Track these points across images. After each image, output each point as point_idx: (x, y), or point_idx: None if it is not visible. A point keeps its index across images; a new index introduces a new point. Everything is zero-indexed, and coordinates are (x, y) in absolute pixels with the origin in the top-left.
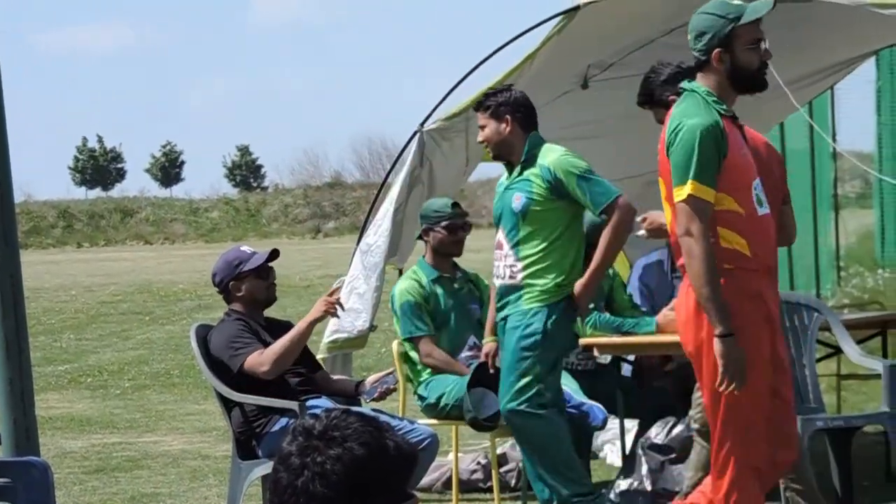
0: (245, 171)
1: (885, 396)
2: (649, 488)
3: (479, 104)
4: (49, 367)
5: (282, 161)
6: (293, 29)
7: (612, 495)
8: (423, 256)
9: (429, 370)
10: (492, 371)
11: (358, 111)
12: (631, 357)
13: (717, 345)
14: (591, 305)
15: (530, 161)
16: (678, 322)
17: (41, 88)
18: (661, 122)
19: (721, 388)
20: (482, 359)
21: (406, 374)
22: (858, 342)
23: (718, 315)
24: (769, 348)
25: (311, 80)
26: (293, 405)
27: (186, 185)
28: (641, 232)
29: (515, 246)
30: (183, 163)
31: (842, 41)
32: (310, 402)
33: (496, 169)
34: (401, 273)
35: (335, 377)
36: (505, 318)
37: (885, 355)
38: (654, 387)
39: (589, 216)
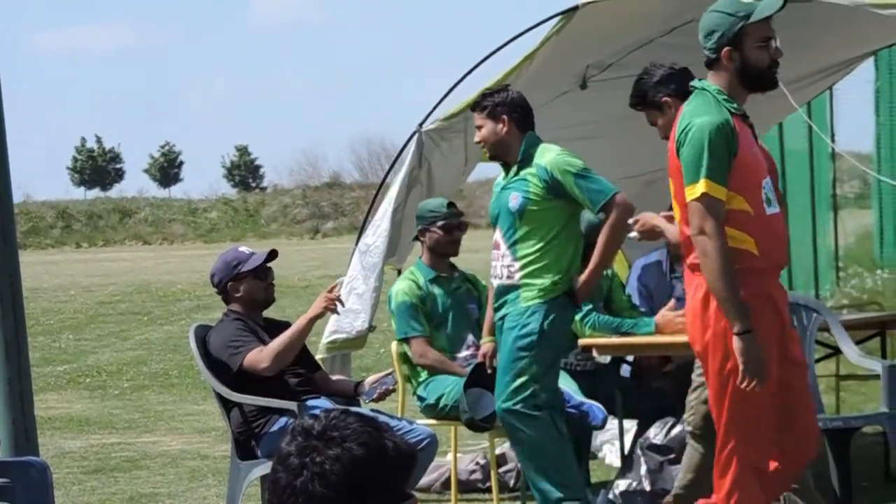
0: (244, 172)
1: (883, 397)
2: (648, 488)
3: (476, 104)
4: (48, 367)
5: (280, 161)
6: (293, 29)
7: (611, 495)
8: (420, 257)
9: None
10: (489, 371)
11: (357, 111)
12: (630, 358)
13: (736, 342)
14: (590, 306)
15: (527, 161)
16: (686, 321)
17: (40, 88)
18: (654, 123)
19: (743, 386)
20: (479, 359)
21: (405, 375)
22: (857, 343)
23: (736, 313)
24: (777, 348)
25: (310, 81)
26: (292, 405)
27: (185, 186)
28: (634, 234)
29: (512, 246)
30: (182, 163)
31: (841, 41)
32: (309, 403)
33: (495, 169)
34: (399, 273)
35: (334, 377)
36: (502, 318)
37: (883, 356)
38: (653, 387)
39: (587, 216)
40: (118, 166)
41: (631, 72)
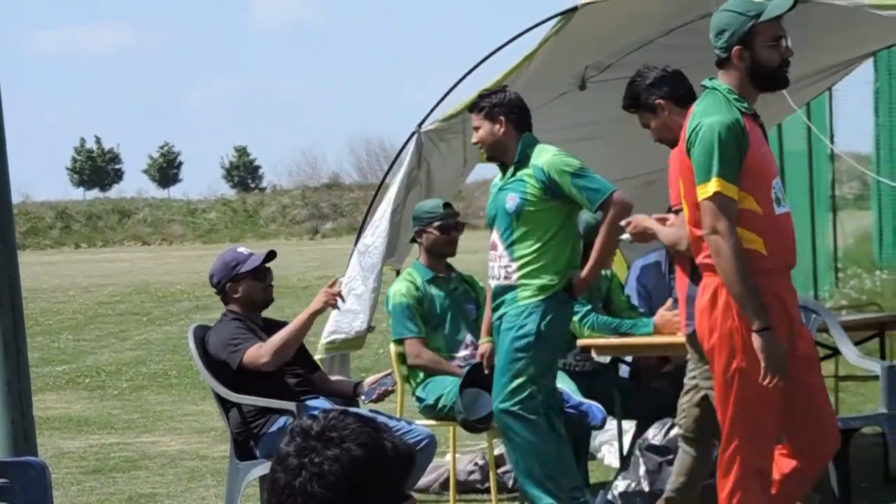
0: (243, 172)
1: (882, 398)
2: (647, 489)
3: (474, 105)
4: (47, 367)
5: (280, 162)
6: (293, 29)
7: (609, 496)
8: (418, 258)
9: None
10: (486, 372)
11: (356, 112)
12: (628, 358)
13: (755, 340)
14: (589, 307)
15: (523, 161)
16: (696, 320)
17: (39, 88)
18: (646, 125)
19: (765, 383)
20: (477, 359)
21: (404, 375)
22: (856, 343)
23: (754, 310)
24: (788, 346)
25: (309, 81)
26: (291, 406)
27: (184, 186)
28: (626, 235)
29: (510, 246)
30: (181, 164)
31: (840, 42)
32: (307, 403)
33: (494, 170)
34: (398, 274)
35: (333, 378)
36: (500, 318)
37: (882, 357)
38: (652, 388)
39: (585, 216)
40: (117, 167)
41: (630, 73)
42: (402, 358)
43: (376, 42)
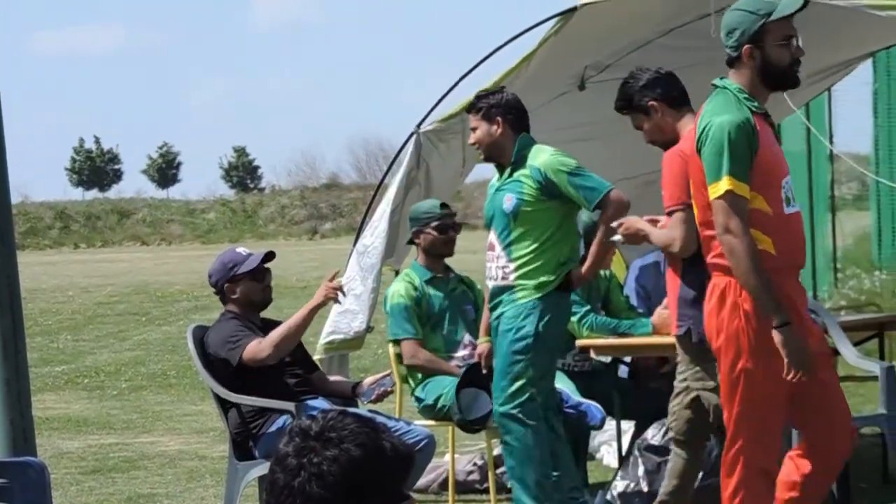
0: (242, 173)
1: (882, 398)
2: (646, 489)
3: (471, 106)
4: (46, 367)
5: (278, 162)
6: (292, 29)
7: (608, 496)
8: (416, 259)
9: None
10: (484, 371)
11: (355, 112)
12: (627, 358)
13: (776, 336)
14: (588, 307)
15: (520, 162)
16: (704, 321)
17: (38, 89)
18: (639, 127)
19: (789, 378)
20: (475, 359)
21: (403, 376)
22: (855, 344)
23: (772, 306)
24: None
25: (307, 81)
26: (290, 406)
27: (183, 187)
28: (617, 237)
29: (507, 247)
30: (180, 164)
31: (838, 43)
32: (306, 403)
33: (493, 170)
34: (397, 274)
35: (332, 378)
36: (498, 318)
37: (882, 357)
38: (651, 388)
39: (583, 216)
40: (116, 167)
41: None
42: (400, 358)
43: (375, 42)
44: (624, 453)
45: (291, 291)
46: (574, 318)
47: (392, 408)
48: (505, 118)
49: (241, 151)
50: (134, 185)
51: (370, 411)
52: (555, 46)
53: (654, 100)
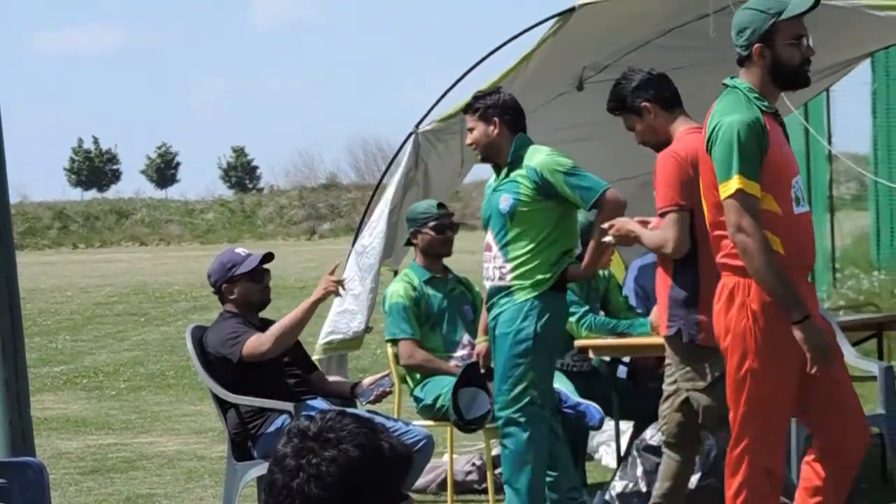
0: (240, 173)
1: (880, 399)
2: (644, 490)
3: (468, 107)
4: (45, 368)
5: (277, 163)
6: (292, 29)
7: (607, 496)
8: (414, 260)
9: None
10: (483, 371)
11: (353, 112)
12: (626, 358)
13: (796, 332)
14: (587, 307)
15: (517, 163)
16: (713, 320)
17: (37, 89)
18: (631, 128)
19: (812, 372)
20: (474, 358)
21: (401, 376)
22: (854, 344)
23: (790, 302)
24: (803, 349)
25: (306, 81)
26: (289, 406)
27: (182, 187)
28: (608, 238)
29: (504, 247)
30: (178, 164)
31: (837, 43)
32: (305, 403)
33: (491, 171)
34: (396, 275)
35: (331, 379)
36: (495, 319)
37: (880, 357)
38: (650, 388)
39: (582, 215)
40: (115, 167)
41: None
42: (398, 358)
43: (375, 42)
44: (622, 453)
45: (290, 291)
46: (573, 319)
47: (391, 408)
48: (502, 119)
49: (239, 152)
50: (132, 185)
51: (369, 412)
52: (553, 47)
53: (648, 101)
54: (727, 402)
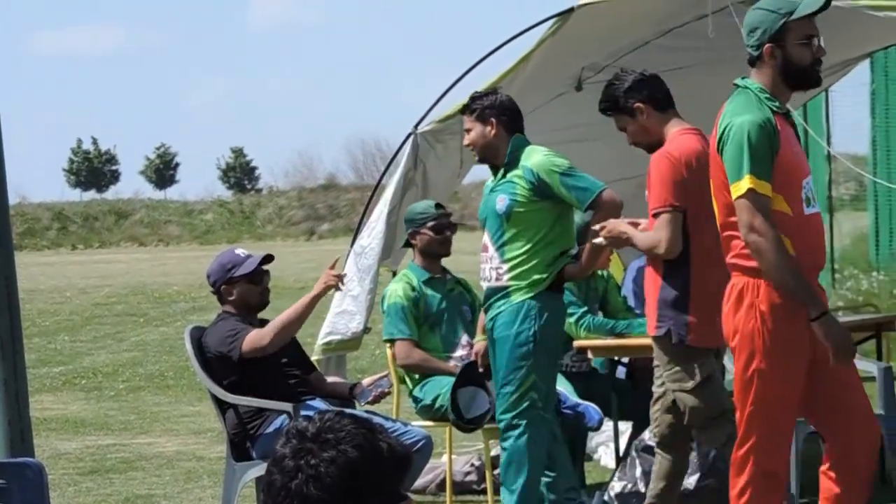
0: (239, 173)
1: (879, 399)
2: (643, 490)
3: (465, 107)
4: (44, 368)
5: (276, 163)
6: (291, 29)
7: (606, 497)
8: (413, 260)
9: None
10: (481, 370)
11: (352, 113)
12: (625, 359)
13: (816, 328)
14: (585, 308)
15: (513, 163)
16: (722, 320)
17: (36, 89)
18: (623, 129)
19: (834, 365)
20: (472, 357)
21: (400, 376)
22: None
23: (808, 299)
24: (811, 350)
25: (305, 82)
26: (287, 407)
27: (181, 187)
28: (599, 239)
29: (500, 248)
30: (177, 165)
31: (836, 43)
32: (304, 404)
33: (490, 172)
34: (394, 275)
35: (330, 379)
36: (493, 321)
37: (879, 358)
38: (649, 389)
39: (578, 216)
40: (114, 168)
41: None
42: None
43: (374, 42)
44: (621, 454)
45: (289, 292)
46: (571, 319)
47: (389, 408)
48: (499, 119)
49: (238, 152)
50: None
51: (367, 412)
52: (552, 47)
53: (641, 102)
54: (714, 404)
